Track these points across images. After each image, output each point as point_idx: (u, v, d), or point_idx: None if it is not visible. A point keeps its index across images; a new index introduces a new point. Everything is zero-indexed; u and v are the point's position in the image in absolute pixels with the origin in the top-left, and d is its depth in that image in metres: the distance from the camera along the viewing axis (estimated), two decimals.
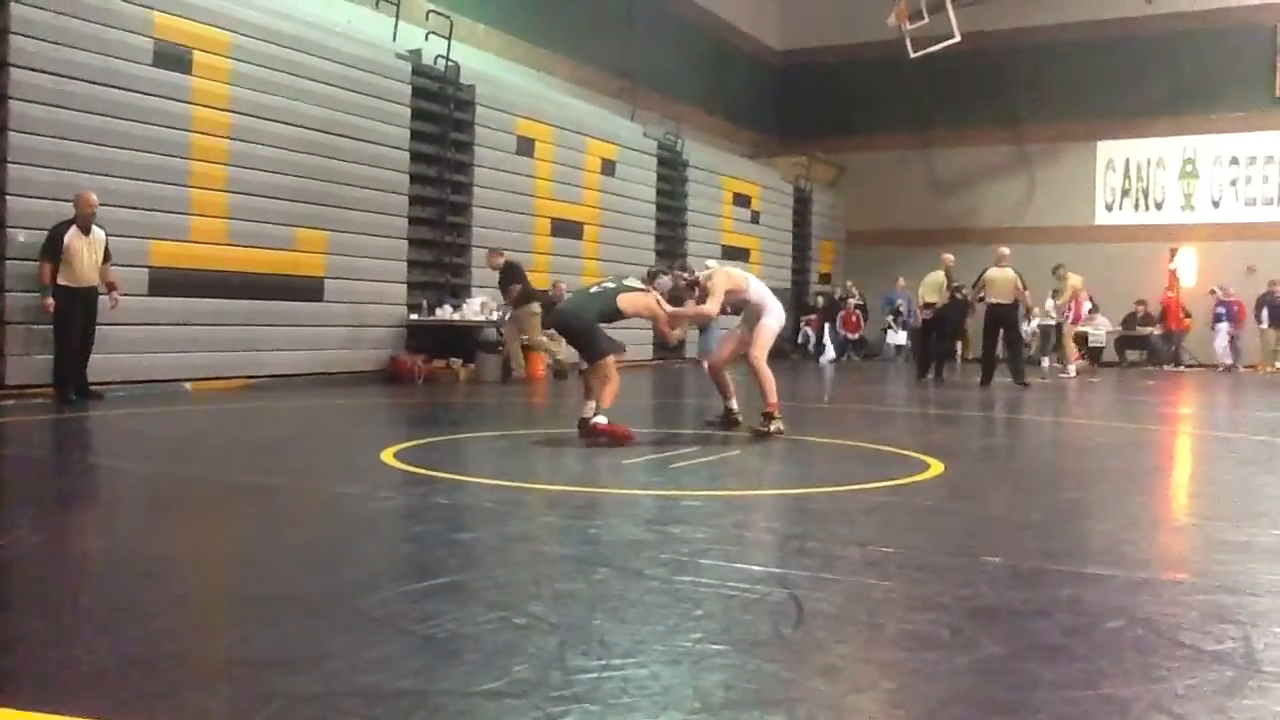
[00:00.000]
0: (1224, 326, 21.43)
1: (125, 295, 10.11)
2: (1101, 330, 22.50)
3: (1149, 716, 2.36)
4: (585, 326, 7.41)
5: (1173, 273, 22.78)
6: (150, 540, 4.32)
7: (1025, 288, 14.85)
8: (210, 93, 11.30)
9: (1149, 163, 24.00)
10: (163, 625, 3.04)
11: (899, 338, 22.70)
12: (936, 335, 17.19)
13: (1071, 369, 18.46)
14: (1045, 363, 21.27)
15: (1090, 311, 20.95)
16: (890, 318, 22.92)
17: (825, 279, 25.76)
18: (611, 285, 7.68)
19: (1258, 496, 5.96)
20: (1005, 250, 15.34)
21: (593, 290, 7.72)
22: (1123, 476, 6.84)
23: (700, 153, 21.10)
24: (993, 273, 14.88)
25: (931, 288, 16.94)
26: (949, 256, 17.01)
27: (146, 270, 10.73)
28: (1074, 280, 19.06)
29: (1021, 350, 15.67)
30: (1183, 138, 23.54)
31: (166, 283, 10.89)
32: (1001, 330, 14.81)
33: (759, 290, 8.12)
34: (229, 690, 2.53)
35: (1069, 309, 19.21)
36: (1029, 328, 21.95)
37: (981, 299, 15.06)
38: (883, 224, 25.56)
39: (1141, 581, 3.70)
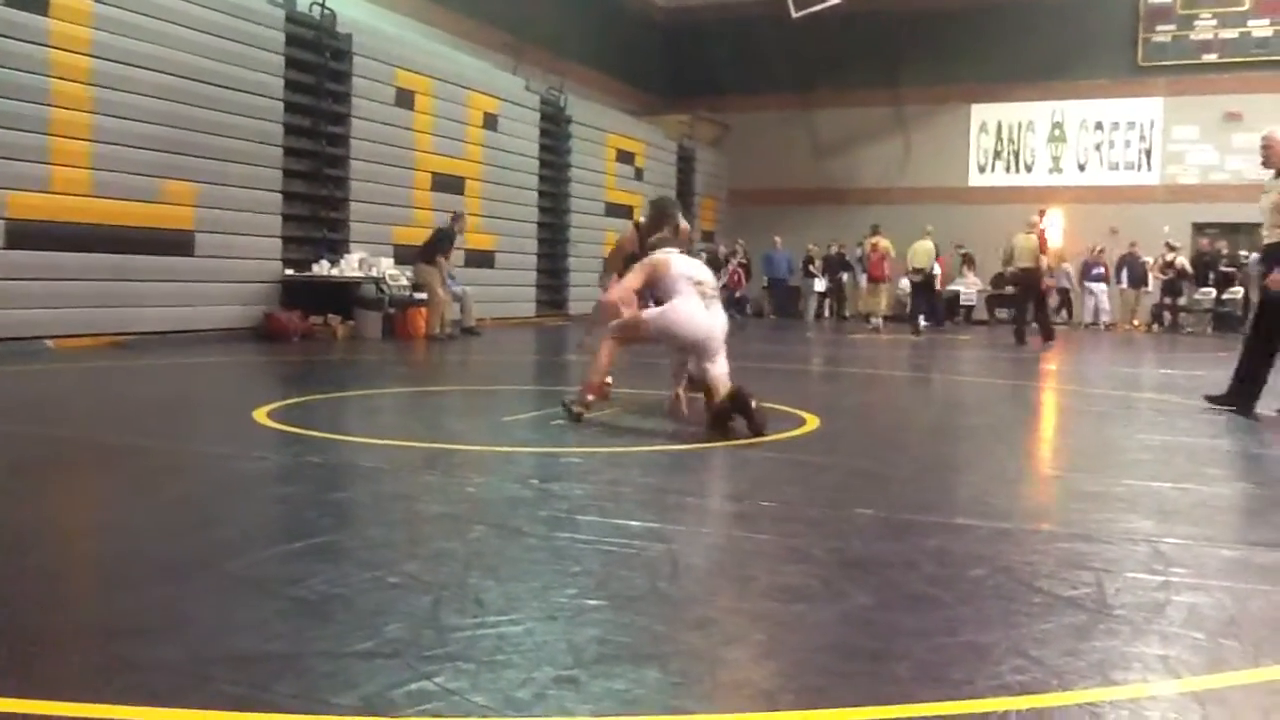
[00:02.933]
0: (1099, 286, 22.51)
1: None
2: (973, 290, 23.19)
3: (1006, 660, 2.45)
4: None
5: (1041, 233, 23.53)
6: (5, 505, 4.14)
7: (1046, 251, 16.46)
8: (70, 36, 10.75)
9: (1020, 126, 24.72)
10: (16, 593, 2.92)
11: (820, 284, 24.03)
12: (921, 296, 19.82)
13: (875, 321, 20.35)
14: (921, 320, 22.00)
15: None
16: (808, 265, 24.07)
17: (708, 237, 25.93)
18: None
19: (1113, 449, 6.22)
20: (1035, 218, 16.86)
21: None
22: (990, 431, 7.08)
23: (584, 109, 20.95)
24: (1018, 239, 16.30)
25: (921, 254, 19.05)
26: (931, 228, 19.59)
27: (2, 222, 10.21)
28: (874, 240, 21.22)
29: (1047, 310, 16.99)
30: (1051, 102, 24.30)
31: (24, 235, 10.38)
32: (1025, 293, 16.26)
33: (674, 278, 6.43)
34: (85, 660, 2.44)
35: (870, 265, 21.47)
36: (904, 284, 22.86)
37: (1009, 265, 16.54)
38: (765, 183, 25.81)
39: (1004, 531, 3.84)
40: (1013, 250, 16.33)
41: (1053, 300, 20.04)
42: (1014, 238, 16.54)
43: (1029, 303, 16.32)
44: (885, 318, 21.93)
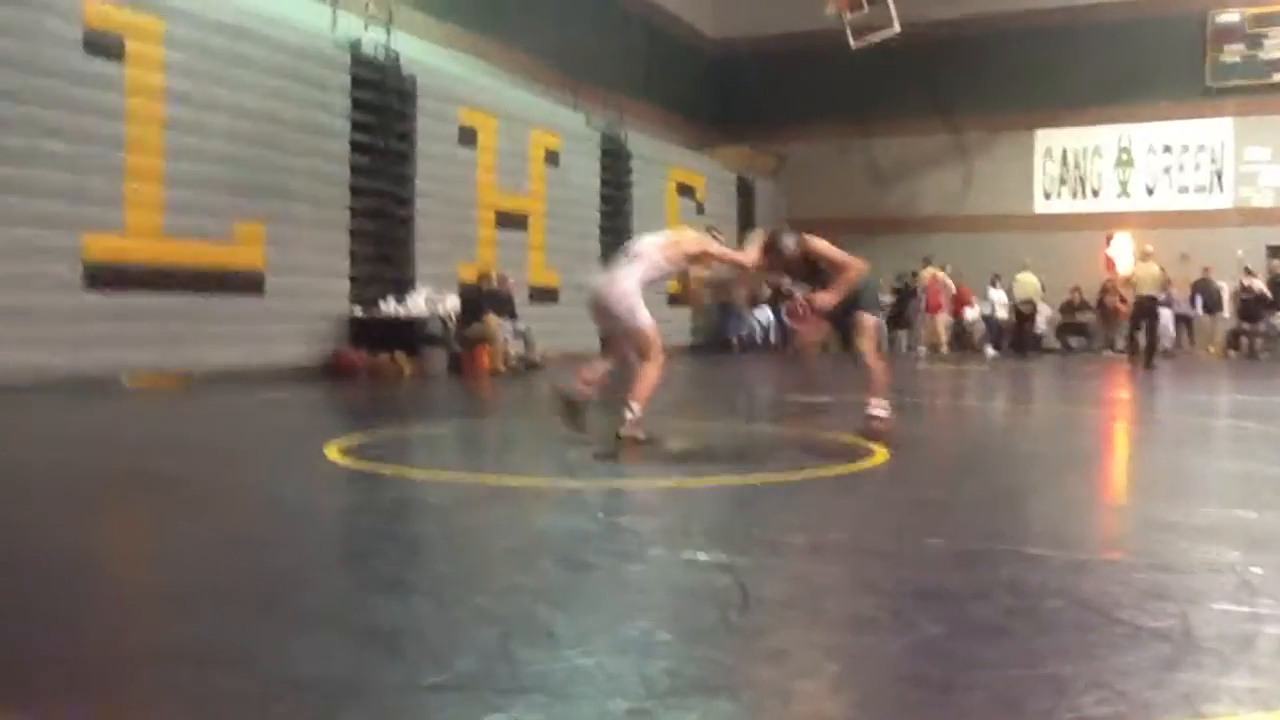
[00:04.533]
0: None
1: (54, 288, 9.93)
2: (1043, 318, 22.86)
3: (1089, 692, 2.38)
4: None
5: (1110, 259, 23.19)
6: (77, 533, 4.20)
7: (1170, 281, 17.59)
8: (144, 83, 11.07)
9: (1086, 151, 24.36)
10: (86, 620, 2.96)
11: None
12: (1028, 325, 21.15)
13: (921, 349, 21.45)
14: (989, 350, 21.75)
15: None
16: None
17: None
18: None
19: (1190, 477, 6.07)
20: (1149, 248, 17.47)
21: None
22: (1062, 459, 6.94)
23: (643, 143, 21.07)
24: (1139, 268, 17.07)
25: (1026, 286, 20.62)
26: (1029, 260, 21.03)
27: (81, 265, 10.49)
28: (929, 271, 21.90)
29: (1158, 336, 17.83)
30: (1118, 126, 23.92)
31: (101, 277, 10.65)
32: (1145, 319, 16.88)
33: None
34: (152, 687, 2.47)
35: (925, 298, 22.23)
36: (973, 314, 22.62)
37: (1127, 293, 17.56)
38: (824, 213, 25.57)
39: (1080, 561, 3.74)
40: (1133, 278, 17.01)
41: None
42: (1134, 267, 17.30)
43: (1144, 329, 16.78)
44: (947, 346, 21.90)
